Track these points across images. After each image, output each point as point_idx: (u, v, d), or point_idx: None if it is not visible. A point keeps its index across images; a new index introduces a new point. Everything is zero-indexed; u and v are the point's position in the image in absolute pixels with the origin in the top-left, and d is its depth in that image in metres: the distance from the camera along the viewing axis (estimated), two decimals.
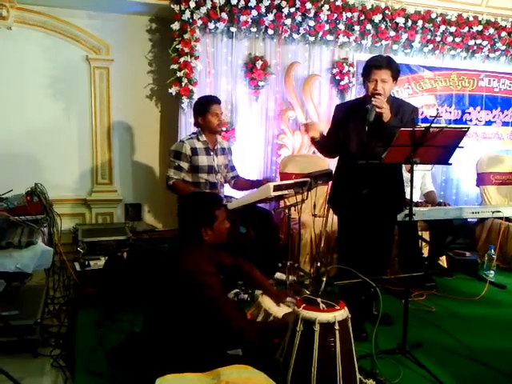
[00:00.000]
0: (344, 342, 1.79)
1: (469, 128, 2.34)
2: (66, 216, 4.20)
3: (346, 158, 2.70)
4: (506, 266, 4.09)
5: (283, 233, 3.94)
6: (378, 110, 2.49)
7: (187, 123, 4.46)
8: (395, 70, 2.66)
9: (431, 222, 3.61)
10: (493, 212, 3.45)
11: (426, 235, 3.84)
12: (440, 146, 2.30)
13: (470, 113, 5.42)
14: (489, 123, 5.50)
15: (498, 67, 5.49)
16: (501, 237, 4.06)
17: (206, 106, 3.31)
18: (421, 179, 4.06)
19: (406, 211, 2.96)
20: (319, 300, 1.87)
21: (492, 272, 3.75)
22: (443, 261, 3.96)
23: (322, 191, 3.76)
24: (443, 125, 2.34)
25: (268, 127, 4.76)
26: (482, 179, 4.61)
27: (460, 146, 2.33)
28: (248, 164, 4.56)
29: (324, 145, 2.82)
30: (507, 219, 3.67)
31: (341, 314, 1.82)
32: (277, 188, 2.87)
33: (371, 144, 2.55)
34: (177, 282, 2.05)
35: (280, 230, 3.91)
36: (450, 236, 3.77)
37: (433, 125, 2.22)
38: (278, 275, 3.45)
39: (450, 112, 5.37)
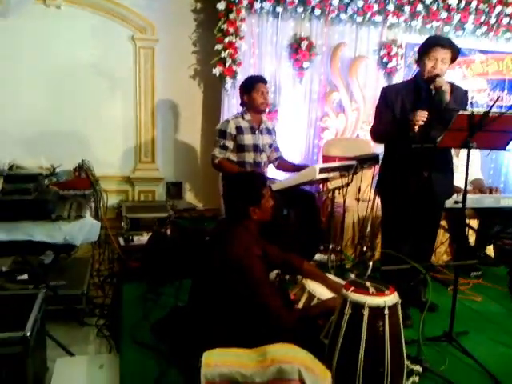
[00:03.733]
0: (393, 327, 1.76)
1: None
2: (111, 192, 4.29)
3: (401, 142, 2.59)
4: None
5: (324, 216, 3.90)
6: (442, 90, 2.40)
7: (230, 104, 4.47)
8: (456, 52, 2.56)
9: (480, 209, 3.49)
10: None
11: (473, 223, 3.72)
12: (498, 131, 2.21)
13: None
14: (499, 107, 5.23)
15: None
16: None
17: (252, 84, 3.30)
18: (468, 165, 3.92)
19: (455, 197, 2.90)
20: (368, 284, 1.84)
21: None
22: (490, 250, 3.84)
23: (367, 175, 3.68)
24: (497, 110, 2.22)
25: (311, 109, 4.70)
26: None
27: None
28: (289, 146, 4.52)
29: (380, 129, 2.72)
30: None
31: (391, 298, 1.78)
32: (322, 170, 2.83)
33: (430, 127, 2.46)
34: (223, 262, 2.06)
35: (321, 212, 3.87)
36: (499, 225, 3.63)
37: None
38: (318, 257, 3.42)
39: (502, 98, 5.15)
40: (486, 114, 2.13)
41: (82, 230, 2.83)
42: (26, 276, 3.06)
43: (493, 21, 4.88)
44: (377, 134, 2.80)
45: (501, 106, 5.09)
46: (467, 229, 3.62)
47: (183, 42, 4.64)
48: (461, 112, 2.19)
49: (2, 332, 1.99)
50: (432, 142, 2.40)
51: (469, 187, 3.74)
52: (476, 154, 3.83)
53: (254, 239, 2.20)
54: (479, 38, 4.95)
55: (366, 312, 1.74)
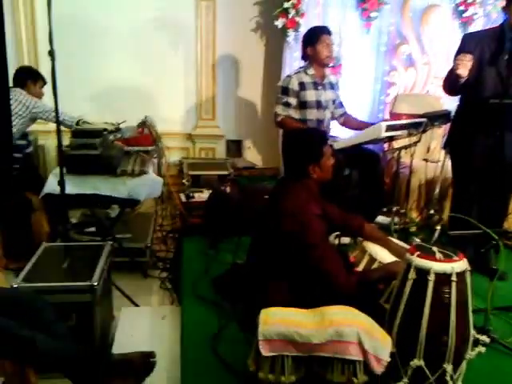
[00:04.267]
0: (460, 295, 1.66)
1: None
2: (172, 149, 4.35)
3: (476, 96, 2.38)
4: None
5: (389, 176, 3.75)
6: None
7: (292, 58, 4.32)
8: None
9: None
10: None
11: None
12: None
13: None
14: None
15: None
16: None
17: (316, 36, 3.13)
18: None
19: None
20: (435, 249, 1.75)
21: None
22: None
23: (437, 133, 3.48)
24: None
25: (378, 63, 4.46)
26: None
27: None
28: (354, 103, 4.33)
29: (450, 80, 2.50)
30: None
31: (459, 265, 1.68)
32: (389, 128, 2.68)
33: (510, 79, 2.24)
34: (282, 221, 2.02)
35: (385, 173, 3.73)
36: None
37: None
38: (380, 219, 3.31)
39: None
40: None
41: (145, 185, 2.89)
42: (93, 228, 3.21)
43: None
44: (446, 84, 2.60)
45: None
46: None
47: None
48: None
49: (72, 281, 2.10)
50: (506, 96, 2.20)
51: None
52: None
53: (312, 197, 2.13)
54: None
55: (431, 278, 1.65)
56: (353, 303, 1.85)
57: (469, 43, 2.47)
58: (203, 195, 3.66)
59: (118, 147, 3.02)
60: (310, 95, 3.16)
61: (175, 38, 4.48)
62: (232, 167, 4.23)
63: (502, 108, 2.21)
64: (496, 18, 4.46)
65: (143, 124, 3.41)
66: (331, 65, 3.61)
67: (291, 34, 4.19)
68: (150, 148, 3.23)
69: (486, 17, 4.47)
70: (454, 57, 2.58)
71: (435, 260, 1.68)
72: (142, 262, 3.17)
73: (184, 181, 3.96)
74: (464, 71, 2.25)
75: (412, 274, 1.70)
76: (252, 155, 4.88)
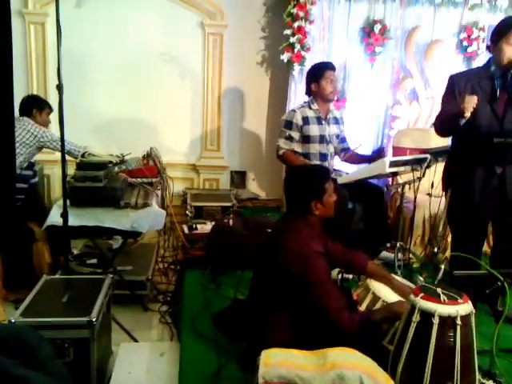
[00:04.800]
0: (465, 339, 1.63)
1: None
2: (176, 179, 4.33)
3: (472, 134, 2.37)
4: None
5: (392, 211, 3.73)
6: None
7: (297, 91, 4.37)
8: None
9: None
10: None
11: None
12: None
13: None
14: None
15: None
16: None
17: (320, 72, 3.17)
18: None
19: None
20: (439, 290, 1.72)
21: None
22: None
23: (441, 169, 3.46)
24: None
25: (382, 97, 4.49)
26: None
27: None
28: (358, 136, 4.36)
29: (445, 121, 2.49)
30: None
31: (464, 308, 1.65)
32: (393, 164, 2.68)
33: (506, 119, 2.24)
34: (284, 258, 1.99)
35: (389, 208, 3.71)
36: None
37: None
38: (384, 255, 3.28)
39: None
40: None
41: (148, 217, 2.87)
42: (95, 260, 3.19)
43: None
44: (437, 125, 2.57)
45: None
46: None
47: (252, 27, 4.58)
48: None
49: (71, 316, 2.07)
50: (506, 134, 2.19)
51: None
52: None
53: (315, 235, 2.11)
54: None
55: (435, 321, 1.62)
56: (355, 343, 1.82)
57: (458, 83, 2.46)
58: (206, 227, 3.65)
59: (122, 179, 3.02)
60: (314, 130, 3.18)
61: (183, 70, 4.55)
62: (235, 198, 4.23)
63: (505, 146, 2.20)
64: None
65: (148, 155, 3.43)
66: (336, 98, 3.64)
67: (296, 67, 4.26)
68: (154, 180, 3.23)
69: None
70: (443, 97, 2.58)
71: (440, 302, 1.65)
72: (142, 295, 3.13)
73: (187, 212, 3.96)
74: (470, 108, 2.23)
75: (416, 317, 1.67)
76: (255, 187, 4.89)
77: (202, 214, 3.94)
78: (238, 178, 4.83)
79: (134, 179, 3.16)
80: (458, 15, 4.44)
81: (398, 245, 3.03)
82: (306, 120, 3.17)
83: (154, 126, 4.57)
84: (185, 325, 2.46)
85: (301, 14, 4.16)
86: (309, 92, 3.27)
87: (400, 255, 3.05)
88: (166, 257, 3.73)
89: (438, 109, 4.39)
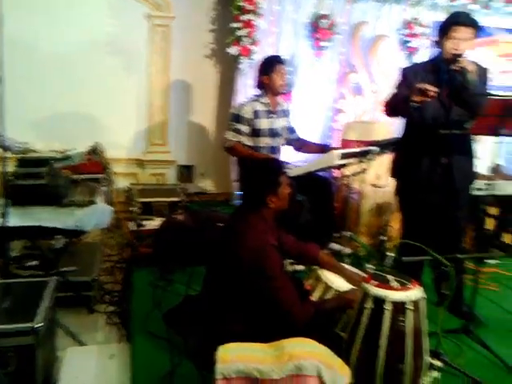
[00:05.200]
0: (416, 323, 1.67)
1: None
2: (120, 175, 4.23)
3: (420, 125, 2.44)
4: None
5: (339, 202, 3.79)
6: (467, 70, 2.24)
7: (245, 85, 4.34)
8: (478, 30, 2.39)
9: (501, 197, 3.35)
10: None
11: (492, 211, 3.59)
12: None
13: None
14: None
15: None
16: None
17: (272, 65, 3.15)
18: (491, 151, 3.76)
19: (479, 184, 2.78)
20: (390, 277, 1.75)
21: None
22: (507, 238, 3.71)
23: (384, 160, 3.55)
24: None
25: (328, 91, 4.55)
26: None
27: None
28: (303, 129, 4.39)
29: (397, 106, 2.55)
30: None
31: (414, 293, 1.69)
32: (342, 156, 2.71)
33: (452, 111, 2.33)
34: (237, 251, 1.97)
35: (335, 199, 3.76)
36: None
37: None
38: (332, 245, 3.32)
39: None
40: None
41: (94, 215, 2.76)
42: (35, 262, 3.02)
43: None
44: (388, 106, 2.63)
45: None
46: (485, 216, 3.51)
47: (200, 20, 4.51)
48: (493, 96, 2.05)
49: (12, 322, 1.94)
50: (452, 126, 2.28)
51: (489, 173, 3.59)
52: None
53: (269, 228, 2.11)
54: (506, 15, 4.71)
55: (388, 307, 1.65)
56: (309, 333, 1.82)
57: (409, 75, 2.55)
58: (154, 223, 3.55)
59: (66, 176, 2.88)
60: (264, 123, 3.16)
61: (127, 62, 4.41)
62: (183, 193, 4.15)
63: (451, 137, 2.28)
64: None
65: (93, 151, 3.29)
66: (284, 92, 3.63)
67: (244, 61, 4.22)
68: (98, 175, 3.11)
69: (433, 47, 4.69)
70: (396, 87, 2.64)
71: (391, 289, 1.68)
72: (88, 296, 3.00)
73: (133, 208, 3.83)
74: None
75: (369, 304, 1.70)
76: (203, 181, 4.82)
77: (148, 210, 3.83)
78: (186, 173, 4.75)
79: (77, 175, 3.02)
80: (401, 12, 4.57)
81: (346, 235, 3.07)
82: (256, 114, 3.15)
83: (98, 120, 4.40)
84: (135, 325, 2.39)
85: (249, 7, 4.12)
86: (259, 85, 3.25)
87: (347, 246, 3.10)
88: (112, 255, 3.60)
89: (382, 102, 4.54)
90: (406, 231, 2.61)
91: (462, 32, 2.33)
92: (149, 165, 4.59)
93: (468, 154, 2.51)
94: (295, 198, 2.99)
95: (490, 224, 3.57)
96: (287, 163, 3.39)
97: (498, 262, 3.32)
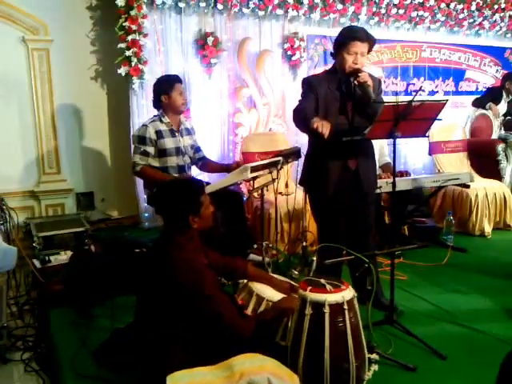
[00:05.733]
0: (353, 321, 1.79)
1: (447, 100, 2.38)
2: (14, 210, 3.90)
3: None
4: (460, 230, 4.31)
5: (249, 213, 3.90)
6: (367, 85, 2.43)
7: (139, 105, 4.30)
8: (372, 44, 2.57)
9: (394, 192, 3.69)
10: (452, 179, 3.57)
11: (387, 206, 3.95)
12: (420, 118, 2.33)
13: (414, 84, 5.60)
14: (432, 93, 5.72)
15: (439, 38, 5.69)
16: (455, 202, 4.39)
17: (170, 84, 3.15)
18: (378, 151, 4.13)
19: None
20: (323, 281, 1.86)
21: (451, 237, 3.93)
22: (405, 229, 4.10)
23: (285, 169, 3.74)
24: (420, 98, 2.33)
25: (223, 106, 4.66)
26: (434, 148, 4.80)
27: (438, 118, 2.37)
28: (204, 144, 4.43)
29: (302, 122, 2.65)
30: (464, 186, 3.84)
31: (348, 293, 1.82)
32: (253, 169, 2.80)
33: (354, 120, 2.52)
34: (173, 276, 1.94)
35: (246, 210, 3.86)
36: (412, 205, 3.89)
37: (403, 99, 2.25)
38: (252, 257, 3.40)
39: (396, 84, 5.52)
40: (410, 103, 2.23)
41: None
42: None
43: (383, 11, 5.19)
44: (296, 120, 2.65)
45: (395, 92, 5.46)
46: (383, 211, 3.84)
47: (80, 42, 4.37)
48: (386, 103, 2.27)
49: None
50: (353, 133, 2.46)
51: (379, 171, 3.95)
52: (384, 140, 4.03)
53: (197, 247, 2.12)
54: (373, 27, 5.20)
55: (327, 310, 1.76)
56: (250, 346, 1.86)
57: (313, 82, 2.65)
58: (61, 257, 3.35)
59: None
60: (168, 143, 3.15)
61: (7, 89, 4.11)
62: (87, 222, 3.95)
63: (354, 143, 2.46)
64: (318, 61, 5.06)
65: None
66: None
67: (136, 81, 4.16)
68: None
69: (311, 60, 5.03)
70: (301, 98, 2.75)
71: (327, 292, 1.79)
72: None
73: (34, 244, 3.57)
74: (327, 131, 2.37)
75: (308, 310, 1.79)
76: (106, 206, 4.64)
77: (52, 245, 3.59)
78: (85, 200, 4.53)
79: None
80: (281, 27, 4.83)
81: (262, 244, 3.17)
82: (159, 134, 3.13)
83: None
84: (63, 369, 2.23)
85: (133, 27, 4.08)
86: (158, 105, 3.23)
87: (265, 255, 3.20)
88: (17, 297, 3.31)
89: (274, 113, 4.76)
90: (322, 235, 2.76)
91: (360, 47, 2.49)
92: (44, 196, 4.30)
93: (371, 157, 2.72)
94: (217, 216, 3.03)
95: (387, 219, 3.91)
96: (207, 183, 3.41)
97: (400, 252, 3.58)
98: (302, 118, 2.50)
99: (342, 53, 2.54)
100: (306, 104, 2.57)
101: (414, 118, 2.30)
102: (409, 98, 2.27)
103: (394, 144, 2.38)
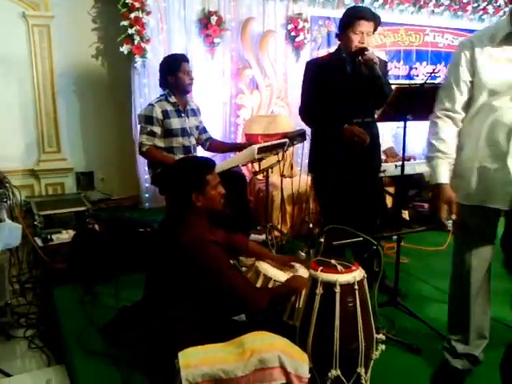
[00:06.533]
0: (363, 302, 1.81)
1: None
2: (15, 189, 3.87)
3: (334, 119, 2.58)
4: None
5: (252, 195, 3.90)
6: (373, 62, 2.42)
7: (141, 84, 4.25)
8: (378, 24, 2.56)
9: (397, 176, 3.70)
10: None
11: (390, 190, 3.96)
12: (432, 101, 2.32)
13: (416, 68, 5.57)
14: (433, 78, 5.68)
15: (442, 22, 5.64)
16: None
17: (177, 64, 3.10)
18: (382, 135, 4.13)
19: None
20: (334, 262, 1.87)
21: (451, 221, 3.94)
22: (406, 214, 4.10)
23: (289, 152, 3.73)
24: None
25: (225, 86, 4.61)
26: None
27: None
28: (206, 125, 4.41)
29: (310, 115, 2.65)
30: None
31: (358, 273, 1.83)
32: (260, 150, 2.79)
33: (360, 100, 2.51)
34: (179, 254, 1.94)
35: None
36: (413, 190, 3.91)
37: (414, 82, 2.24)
38: (254, 237, 3.42)
39: (399, 68, 5.48)
40: (422, 85, 2.22)
41: (2, 235, 2.51)
42: None
43: None
44: (307, 120, 2.73)
45: (398, 76, 5.43)
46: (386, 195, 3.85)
47: (82, 19, 4.29)
48: (398, 85, 2.26)
49: None
50: (362, 114, 2.46)
51: (383, 156, 3.95)
52: (388, 124, 4.04)
53: (204, 225, 2.11)
54: (376, 10, 5.13)
55: (337, 290, 1.77)
56: (259, 326, 1.88)
57: (315, 69, 2.66)
58: (63, 236, 3.35)
59: None
60: (175, 123, 3.11)
61: (6, 66, 4.04)
62: (88, 201, 3.94)
63: (364, 125, 2.46)
64: (321, 43, 5.02)
65: None
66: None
67: (138, 59, 4.10)
68: None
69: (314, 41, 4.98)
70: (303, 85, 2.74)
71: (338, 272, 1.80)
72: (2, 322, 2.75)
73: (36, 222, 3.56)
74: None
75: (319, 289, 1.80)
76: (106, 186, 4.60)
77: (53, 223, 3.58)
78: (85, 180, 4.50)
79: None
80: (285, 7, 4.77)
81: (265, 225, 3.18)
82: (165, 113, 3.09)
83: None
84: (70, 346, 2.25)
85: (136, 4, 4.01)
86: (164, 84, 3.19)
87: (264, 235, 3.22)
88: (19, 275, 3.31)
89: (276, 95, 4.72)
90: (328, 217, 2.76)
91: (366, 26, 2.49)
92: (44, 174, 4.27)
93: (377, 140, 2.72)
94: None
95: (389, 202, 3.93)
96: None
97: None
98: (315, 119, 2.52)
99: (347, 32, 2.54)
100: (310, 101, 2.59)
101: (426, 101, 2.29)
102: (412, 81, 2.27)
103: (405, 127, 2.37)
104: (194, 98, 4.27)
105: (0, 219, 2.55)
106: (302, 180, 3.57)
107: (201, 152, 3.46)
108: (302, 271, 2.28)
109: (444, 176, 1.90)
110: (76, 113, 4.44)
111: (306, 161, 2.88)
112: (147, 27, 4.11)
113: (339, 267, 1.82)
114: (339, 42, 2.67)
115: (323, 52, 4.97)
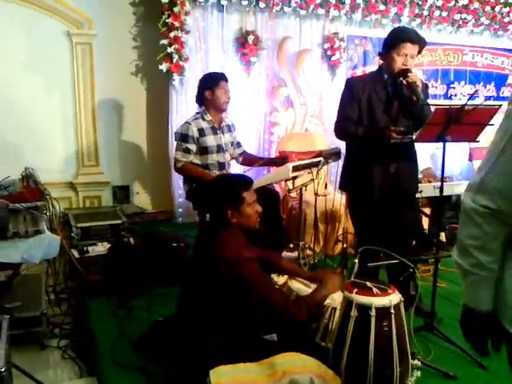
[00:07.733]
0: (399, 326, 1.77)
1: (501, 105, 2.32)
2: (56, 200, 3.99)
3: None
4: None
5: (285, 213, 3.89)
6: (416, 85, 2.40)
7: (178, 102, 4.33)
8: (423, 46, 2.54)
9: (434, 197, 3.62)
10: None
11: (426, 211, 3.88)
12: (472, 123, 2.28)
13: (454, 87, 5.48)
14: (472, 98, 5.55)
15: (482, 42, 5.55)
16: None
17: (215, 81, 3.16)
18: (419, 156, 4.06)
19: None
20: (369, 284, 1.84)
21: None
22: (442, 236, 4.01)
23: (323, 170, 3.70)
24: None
25: (260, 104, 4.65)
26: (475, 154, 4.70)
27: (490, 123, 2.31)
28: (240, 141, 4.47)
29: (347, 130, 2.62)
30: None
31: (394, 297, 1.79)
32: (295, 169, 2.79)
33: (399, 121, 2.49)
34: (215, 270, 1.95)
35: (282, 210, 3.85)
36: (450, 211, 3.81)
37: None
38: (286, 255, 3.40)
39: (436, 87, 5.41)
40: (463, 107, 2.19)
41: (41, 246, 2.58)
42: None
43: (425, 13, 5.10)
44: (342, 133, 2.70)
45: (435, 96, 5.35)
46: (422, 216, 3.77)
47: (123, 37, 4.42)
48: (438, 106, 2.23)
49: None
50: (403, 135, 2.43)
51: (420, 176, 3.88)
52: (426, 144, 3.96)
53: (241, 243, 2.11)
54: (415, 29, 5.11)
55: (373, 313, 1.73)
56: (292, 347, 1.86)
57: (357, 86, 2.62)
58: (98, 248, 3.41)
59: (3, 206, 2.67)
60: (210, 140, 3.16)
61: (50, 82, 4.21)
62: (123, 214, 4.01)
63: (397, 146, 2.43)
64: (357, 62, 5.02)
65: (27, 177, 3.09)
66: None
67: (176, 78, 4.20)
68: (39, 203, 2.91)
69: (350, 60, 4.98)
70: (341, 101, 2.72)
71: (374, 295, 1.77)
72: (37, 331, 2.80)
73: (73, 234, 3.64)
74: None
75: (354, 312, 1.76)
76: (141, 200, 4.69)
77: (89, 235, 3.65)
78: (121, 193, 4.59)
79: (16, 204, 2.81)
80: (321, 27, 4.80)
81: (298, 244, 3.16)
82: (201, 132, 3.14)
83: (21, 144, 4.12)
84: (102, 357, 2.27)
85: (176, 23, 4.11)
86: (201, 101, 3.24)
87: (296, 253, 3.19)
88: (55, 286, 3.38)
89: (310, 113, 4.73)
90: (362, 238, 2.72)
91: (411, 49, 2.46)
92: (82, 187, 4.39)
93: (413, 161, 2.69)
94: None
95: (425, 224, 3.84)
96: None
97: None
98: (351, 134, 2.51)
99: (391, 53, 2.52)
100: (349, 116, 2.56)
101: (465, 123, 2.25)
102: (453, 102, 2.24)
103: (444, 148, 2.33)
104: (228, 114, 4.35)
105: (40, 231, 2.62)
106: (336, 199, 3.54)
107: (235, 166, 3.48)
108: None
109: None
110: (114, 128, 4.55)
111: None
112: (186, 46, 4.21)
113: (375, 290, 1.79)
114: (381, 62, 2.67)
115: (359, 71, 4.97)
